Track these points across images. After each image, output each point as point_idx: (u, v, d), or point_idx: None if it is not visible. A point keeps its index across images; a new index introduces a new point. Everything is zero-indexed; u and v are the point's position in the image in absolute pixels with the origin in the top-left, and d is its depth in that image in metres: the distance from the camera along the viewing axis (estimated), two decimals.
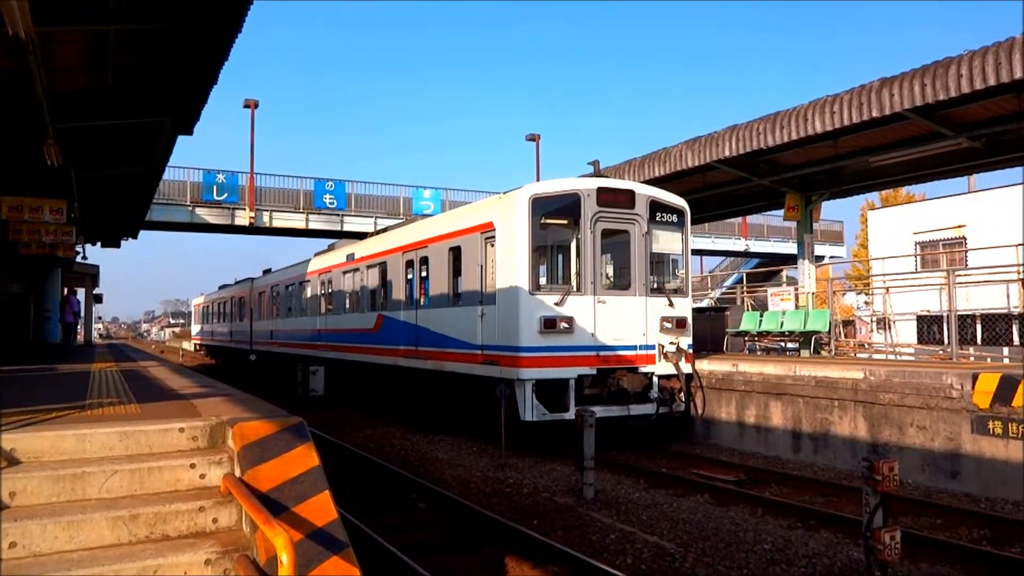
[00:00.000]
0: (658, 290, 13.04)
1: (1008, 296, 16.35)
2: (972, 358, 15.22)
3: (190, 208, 32.72)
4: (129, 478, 4.62)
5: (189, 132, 12.32)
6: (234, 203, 33.29)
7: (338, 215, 34.97)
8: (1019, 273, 16.39)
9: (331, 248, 23.02)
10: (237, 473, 4.70)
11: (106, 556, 4.06)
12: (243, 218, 33.45)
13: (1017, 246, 16.78)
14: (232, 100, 35.75)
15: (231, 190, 33.21)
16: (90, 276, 37.68)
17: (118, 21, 8.31)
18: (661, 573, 6.67)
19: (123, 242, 31.27)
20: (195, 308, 52.66)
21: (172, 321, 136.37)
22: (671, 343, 12.86)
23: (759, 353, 19.40)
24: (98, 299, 43.68)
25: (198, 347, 51.20)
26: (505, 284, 12.19)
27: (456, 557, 7.13)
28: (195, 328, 52.38)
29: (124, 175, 16.38)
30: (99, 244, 30.72)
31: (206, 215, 33.16)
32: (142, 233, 30.88)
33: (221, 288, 40.62)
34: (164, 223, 32.85)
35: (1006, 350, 15.58)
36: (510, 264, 12.08)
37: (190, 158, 69.25)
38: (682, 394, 13.10)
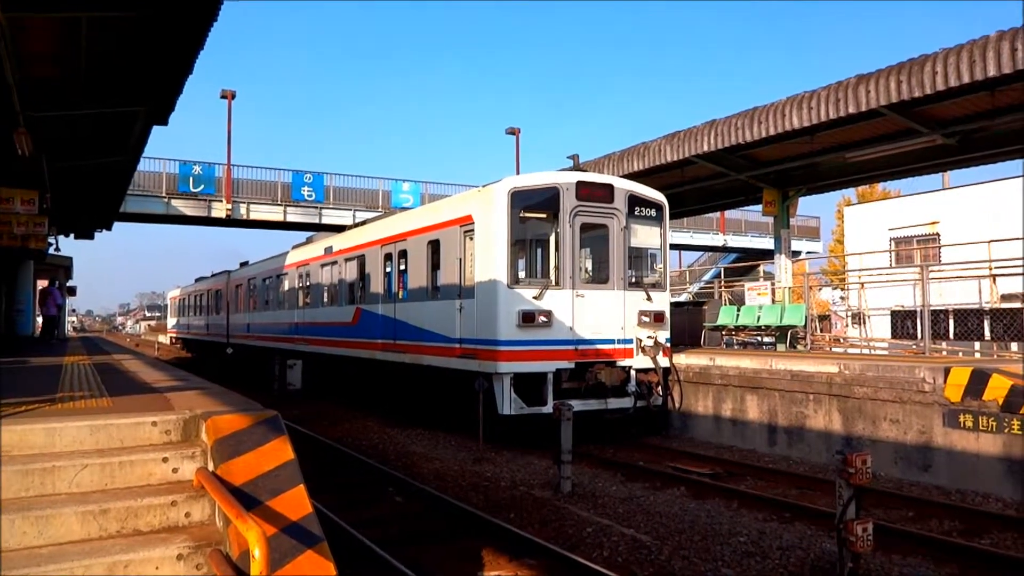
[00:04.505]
0: (636, 284, 13.08)
1: (980, 292, 16.57)
2: (944, 352, 15.43)
3: (166, 200, 32.32)
4: (100, 472, 4.56)
5: (164, 122, 12.16)
6: (211, 195, 32.93)
7: (316, 208, 34.71)
8: (991, 269, 16.62)
9: (309, 241, 22.86)
10: (210, 467, 4.65)
11: (76, 551, 4.00)
12: (220, 210, 33.09)
13: (989, 243, 17.01)
14: (209, 90, 35.26)
15: (207, 182, 32.84)
16: (63, 268, 37.07)
17: (90, 8, 8.17)
18: (637, 565, 6.70)
19: (97, 234, 30.89)
20: (171, 301, 52.09)
21: (148, 314, 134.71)
22: (649, 337, 12.91)
23: (736, 347, 19.53)
24: (71, 292, 43.03)
25: (174, 340, 50.67)
26: (484, 277, 12.17)
27: (433, 551, 7.12)
28: (171, 321, 51.84)
29: (98, 165, 16.13)
30: (72, 236, 30.29)
31: (182, 207, 32.77)
32: (117, 225, 30.49)
33: (197, 281, 40.22)
34: (139, 215, 32.42)
35: (977, 345, 15.81)
36: (489, 257, 12.06)
37: (166, 149, 68.41)
38: (659, 388, 13.16)
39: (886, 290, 21.26)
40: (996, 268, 16.58)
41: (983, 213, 24.71)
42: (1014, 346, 15.06)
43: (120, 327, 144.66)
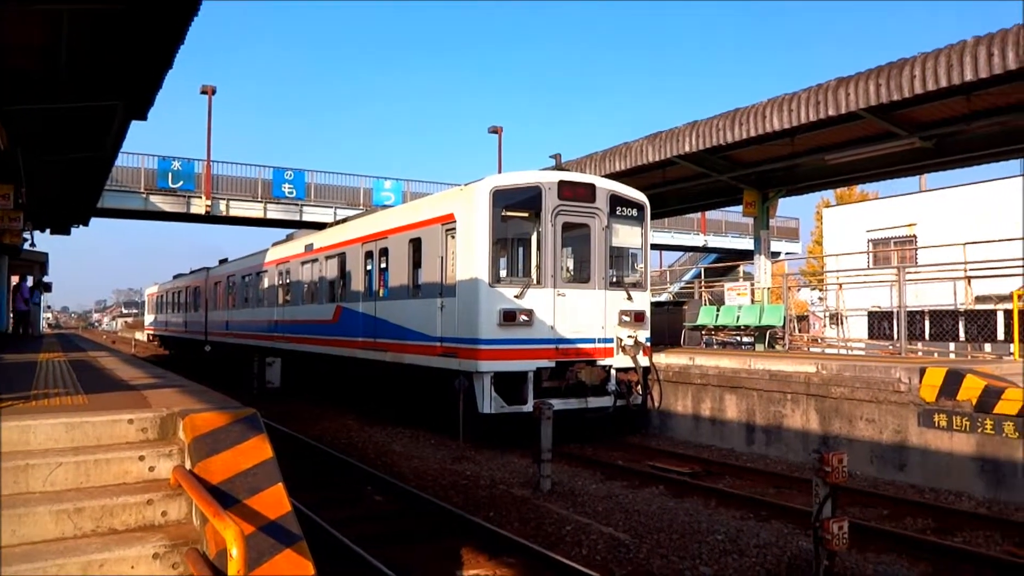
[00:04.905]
0: (617, 284, 13.13)
1: (955, 293, 16.79)
2: (920, 353, 15.62)
3: (144, 195, 31.96)
4: (75, 471, 4.50)
5: (143, 117, 12.02)
6: (190, 191, 32.61)
7: (297, 205, 34.49)
8: (966, 271, 16.85)
9: (289, 238, 22.73)
10: (188, 465, 4.61)
11: (49, 550, 3.96)
12: (199, 206, 32.79)
13: (964, 245, 17.24)
14: (190, 85, 34.96)
15: (187, 178, 32.52)
16: (38, 264, 36.57)
17: (71, 1, 8.05)
18: (616, 564, 6.73)
19: (73, 229, 30.49)
20: (148, 298, 51.63)
21: (125, 311, 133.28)
22: (629, 336, 12.97)
23: (715, 347, 19.66)
24: (47, 288, 42.46)
25: (151, 337, 50.22)
26: (465, 276, 12.16)
27: (412, 549, 7.11)
28: (148, 318, 51.37)
29: (75, 160, 15.93)
30: (48, 231, 29.88)
31: (160, 203, 32.43)
32: (94, 220, 30.12)
33: (176, 277, 39.86)
34: (116, 210, 32.05)
35: (952, 345, 16.02)
36: (470, 256, 12.05)
37: (144, 144, 67.47)
38: (639, 387, 13.23)
39: (863, 291, 21.49)
40: (971, 270, 16.81)
41: (959, 216, 25.07)
42: (988, 347, 15.28)
43: (96, 324, 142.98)
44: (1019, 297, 12.12)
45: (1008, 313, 13.02)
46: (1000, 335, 14.21)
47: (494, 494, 9.18)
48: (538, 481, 9.40)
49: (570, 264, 13.59)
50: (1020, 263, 13.13)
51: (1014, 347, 12.13)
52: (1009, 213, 23.62)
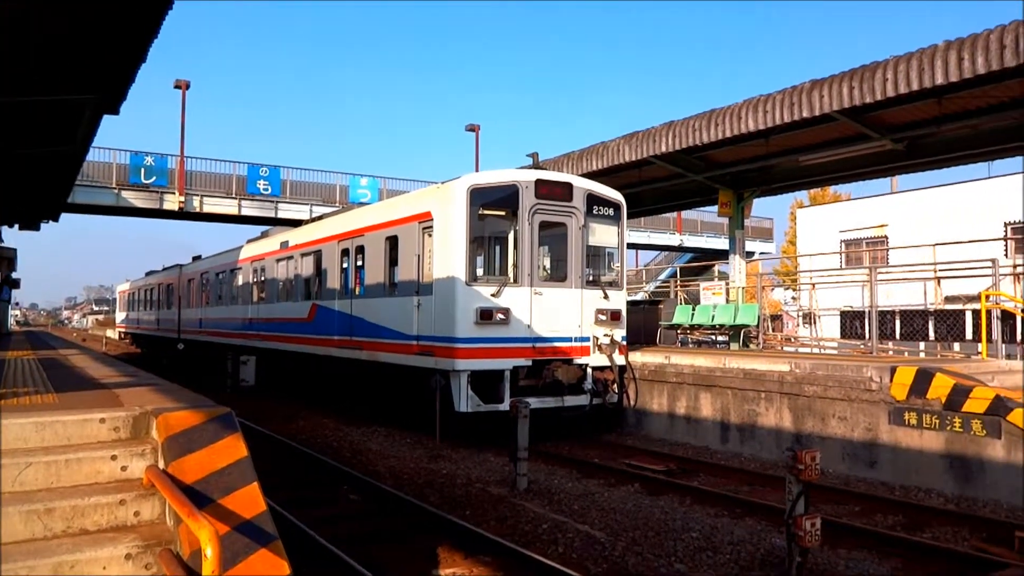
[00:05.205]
0: (594, 282, 13.18)
1: (925, 293, 17.08)
2: (891, 352, 15.86)
3: (116, 191, 31.46)
4: (45, 471, 4.43)
5: (115, 112, 11.83)
6: (163, 187, 32.14)
7: (272, 201, 34.15)
8: (935, 271, 17.13)
9: (264, 235, 22.52)
10: (161, 465, 4.56)
11: (19, 551, 3.89)
12: (172, 203, 32.34)
13: (934, 246, 17.53)
14: (163, 80, 34.47)
15: (160, 173, 32.06)
16: (6, 260, 35.89)
17: None
18: (592, 562, 6.76)
19: (43, 225, 29.93)
20: (120, 295, 50.91)
21: (95, 308, 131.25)
22: (605, 335, 13.02)
23: (691, 346, 19.81)
24: (15, 284, 41.70)
25: (123, 335, 49.54)
26: (442, 274, 12.14)
27: (388, 548, 7.09)
28: (120, 316, 50.66)
29: (45, 155, 15.64)
30: (17, 227, 29.33)
31: (133, 199, 31.94)
32: (64, 216, 29.61)
33: (148, 274, 39.34)
34: (88, 206, 31.50)
35: (922, 345, 16.30)
36: (447, 254, 12.03)
37: (117, 139, 66.60)
38: (615, 385, 13.29)
39: (836, 291, 21.77)
40: (940, 271, 17.09)
41: (929, 217, 25.49)
42: (957, 346, 15.55)
43: (66, 321, 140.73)
44: (987, 297, 12.35)
45: (976, 313, 13.27)
46: (968, 334, 14.48)
47: (470, 493, 9.18)
48: (514, 479, 9.41)
49: (547, 263, 13.61)
50: (988, 264, 13.37)
51: (982, 346, 12.36)
52: (978, 215, 24.07)
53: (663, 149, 15.20)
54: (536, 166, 14.73)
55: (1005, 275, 14.93)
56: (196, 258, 30.10)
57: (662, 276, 42.31)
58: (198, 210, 33.07)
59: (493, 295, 11.98)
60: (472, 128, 40.05)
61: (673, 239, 44.81)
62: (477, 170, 34.29)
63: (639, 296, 28.93)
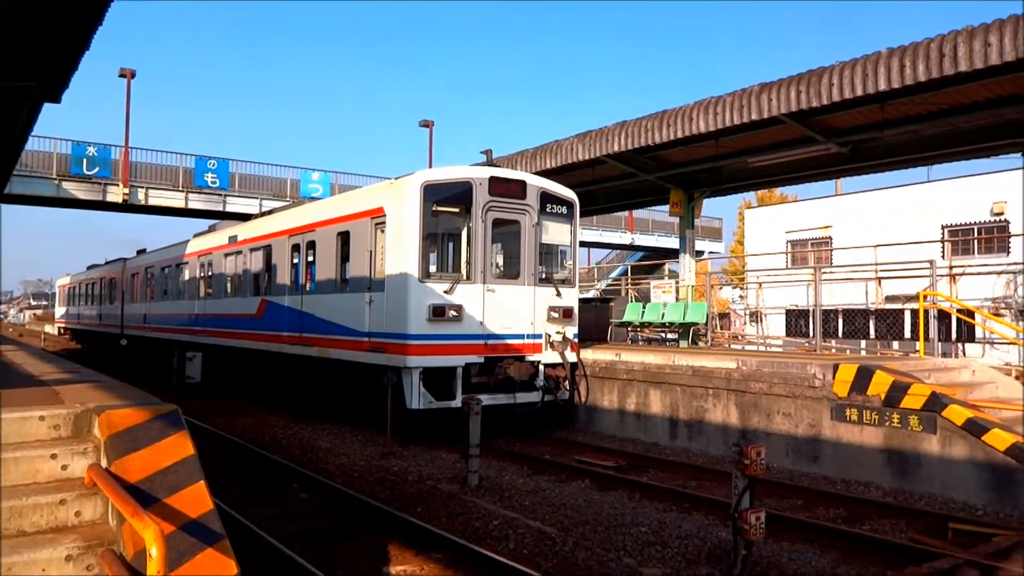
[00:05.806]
0: (546, 280, 13.25)
1: (867, 292, 17.59)
2: (834, 350, 16.31)
3: (56, 182, 30.43)
4: None
5: (57, 100, 11.45)
6: (106, 178, 31.21)
7: (220, 195, 33.47)
8: (876, 272, 17.65)
9: (212, 229, 22.07)
10: (104, 463, 4.45)
11: None
12: (116, 195, 31.43)
13: (875, 247, 18.05)
14: (108, 68, 33.47)
15: (103, 164, 31.12)
16: None
17: None
18: (542, 557, 6.81)
19: None
20: (60, 289, 49.35)
21: (33, 303, 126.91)
22: (558, 332, 13.10)
23: (641, 343, 20.07)
24: None
25: (63, 331, 48.00)
26: (394, 271, 12.07)
27: (339, 546, 7.04)
28: (59, 311, 49.09)
29: None
30: None
31: (74, 190, 30.96)
32: (1, 207, 28.61)
33: (90, 268, 38.23)
34: (25, 197, 30.41)
35: (863, 343, 16.79)
36: (400, 251, 11.96)
37: (58, 127, 64.50)
38: (567, 382, 13.38)
39: (782, 290, 22.28)
40: (881, 271, 17.62)
41: (871, 219, 26.24)
42: (895, 344, 16.06)
43: (2, 316, 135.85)
44: (925, 297, 12.78)
45: (915, 312, 13.72)
46: (907, 333, 14.97)
47: (422, 490, 9.16)
48: (466, 476, 9.42)
49: (500, 260, 13.63)
50: (926, 265, 13.83)
51: (919, 344, 12.78)
52: (917, 217, 24.87)
53: (616, 148, 15.34)
54: (490, 163, 14.73)
55: (942, 276, 15.45)
56: (141, 252, 29.35)
57: (613, 274, 42.75)
58: (143, 203, 32.22)
59: (446, 292, 11.96)
60: (426, 124, 39.84)
61: (625, 238, 45.26)
62: (431, 167, 34.13)
63: (591, 294, 29.20)
